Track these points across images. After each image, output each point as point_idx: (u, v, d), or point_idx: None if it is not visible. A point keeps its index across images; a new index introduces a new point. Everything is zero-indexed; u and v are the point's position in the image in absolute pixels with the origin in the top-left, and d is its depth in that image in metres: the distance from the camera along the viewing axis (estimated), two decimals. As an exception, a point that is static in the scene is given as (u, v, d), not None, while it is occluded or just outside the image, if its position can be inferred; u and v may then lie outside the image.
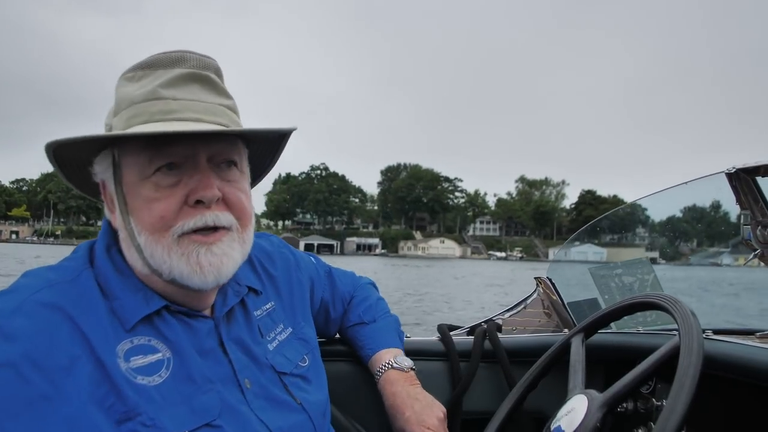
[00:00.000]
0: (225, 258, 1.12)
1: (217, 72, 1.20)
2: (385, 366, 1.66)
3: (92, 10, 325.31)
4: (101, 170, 1.16)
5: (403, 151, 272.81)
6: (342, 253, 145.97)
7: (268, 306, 1.40)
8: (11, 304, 0.99)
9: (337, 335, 1.83)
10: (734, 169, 1.81)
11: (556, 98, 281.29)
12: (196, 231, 1.10)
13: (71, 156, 1.15)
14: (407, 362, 1.67)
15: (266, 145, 1.32)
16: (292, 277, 1.54)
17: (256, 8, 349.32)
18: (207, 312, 1.23)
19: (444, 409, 1.60)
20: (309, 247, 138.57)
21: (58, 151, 1.11)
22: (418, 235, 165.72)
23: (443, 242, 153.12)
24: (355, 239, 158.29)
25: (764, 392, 1.45)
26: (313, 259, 1.74)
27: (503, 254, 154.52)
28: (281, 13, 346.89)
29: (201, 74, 1.15)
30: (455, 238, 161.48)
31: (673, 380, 1.08)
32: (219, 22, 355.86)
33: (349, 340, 1.78)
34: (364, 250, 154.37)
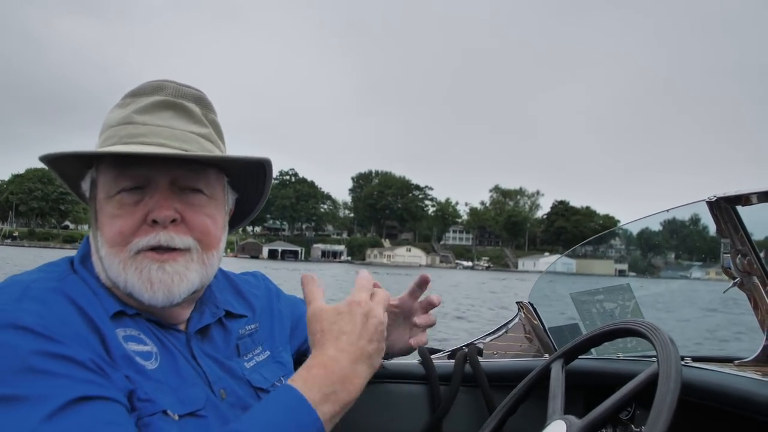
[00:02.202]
0: (176, 277, 1.17)
1: (198, 101, 1.28)
2: None
3: (78, 13, 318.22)
4: (86, 187, 1.26)
5: (383, 159, 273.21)
6: (306, 259, 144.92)
7: (251, 327, 1.45)
8: (14, 293, 1.06)
9: None
10: (715, 198, 1.84)
11: (537, 111, 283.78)
12: (152, 249, 1.16)
13: (68, 172, 1.25)
14: None
15: (247, 177, 1.36)
16: (273, 306, 1.60)
17: (245, 15, 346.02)
18: (181, 327, 1.28)
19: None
20: (273, 253, 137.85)
21: (57, 167, 1.22)
22: (387, 243, 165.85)
23: (410, 250, 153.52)
24: (321, 246, 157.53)
25: (741, 420, 1.47)
26: (294, 296, 1.78)
27: (470, 263, 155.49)
28: (269, 21, 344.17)
29: (175, 102, 1.23)
30: (424, 247, 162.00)
31: (651, 407, 1.08)
32: (207, 27, 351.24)
33: None
34: (329, 257, 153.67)
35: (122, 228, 1.14)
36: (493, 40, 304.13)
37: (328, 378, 1.08)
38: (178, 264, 1.17)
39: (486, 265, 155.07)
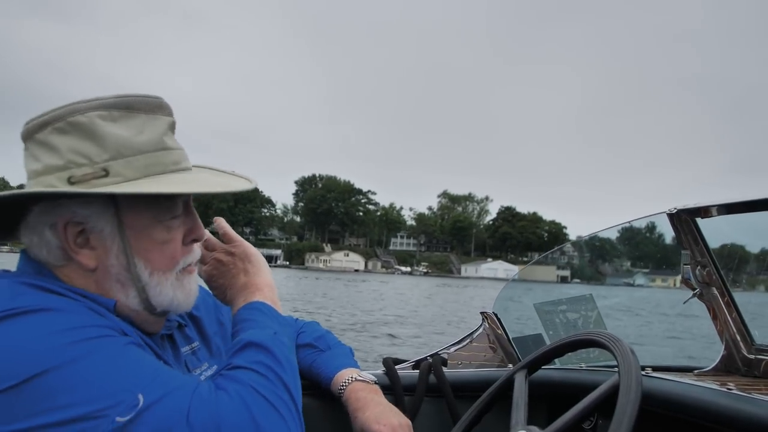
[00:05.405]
0: (198, 283, 1.31)
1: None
2: (349, 380, 1.67)
3: (42, 16, 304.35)
4: (90, 213, 1.13)
5: (330, 164, 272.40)
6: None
7: (194, 345, 1.45)
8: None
9: None
10: (675, 210, 1.88)
11: (492, 115, 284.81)
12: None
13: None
14: (371, 377, 1.70)
15: None
16: (212, 318, 1.60)
17: (211, 19, 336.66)
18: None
19: (408, 421, 1.58)
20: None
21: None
22: (328, 247, 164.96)
23: (347, 255, 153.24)
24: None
25: (699, 429, 1.50)
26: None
27: (408, 269, 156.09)
28: (235, 28, 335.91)
29: (175, 122, 1.24)
30: (364, 252, 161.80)
31: (613, 417, 1.12)
32: (173, 31, 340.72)
33: (305, 369, 1.77)
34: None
35: (174, 252, 1.20)
36: (446, 44, 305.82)
37: None
38: (196, 271, 1.30)
39: (424, 270, 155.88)
